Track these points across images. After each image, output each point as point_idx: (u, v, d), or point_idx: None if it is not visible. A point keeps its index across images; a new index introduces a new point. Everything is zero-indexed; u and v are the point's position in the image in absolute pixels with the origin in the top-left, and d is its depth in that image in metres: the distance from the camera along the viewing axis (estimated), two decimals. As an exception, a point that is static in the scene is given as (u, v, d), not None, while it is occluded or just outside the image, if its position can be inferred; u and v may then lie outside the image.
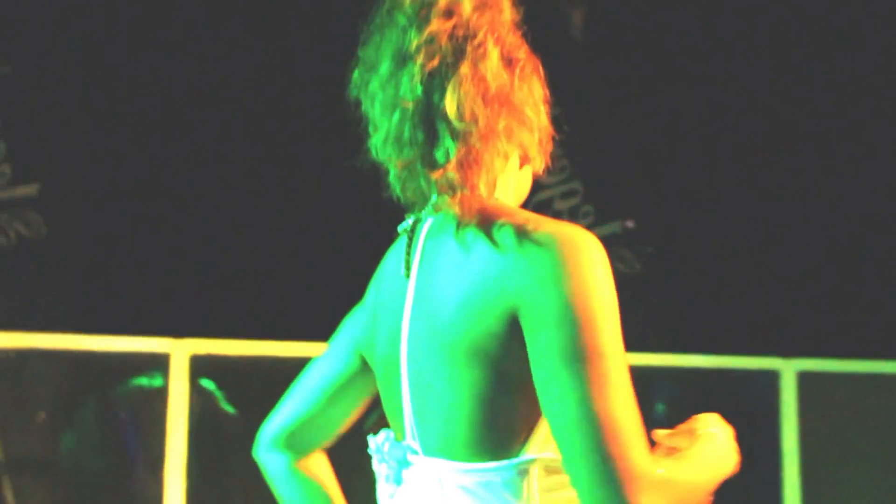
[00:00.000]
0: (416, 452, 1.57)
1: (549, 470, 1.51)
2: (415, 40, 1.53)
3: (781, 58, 5.98)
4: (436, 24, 1.54)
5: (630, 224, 6.23)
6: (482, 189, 1.54)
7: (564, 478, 1.47)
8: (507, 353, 1.47)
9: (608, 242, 6.11)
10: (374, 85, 1.57)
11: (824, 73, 5.94)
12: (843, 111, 5.96)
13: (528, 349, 1.45)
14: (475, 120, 1.52)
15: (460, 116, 1.51)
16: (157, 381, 4.86)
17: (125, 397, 4.98)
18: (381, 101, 1.56)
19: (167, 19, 5.30)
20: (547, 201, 6.05)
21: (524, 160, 1.67)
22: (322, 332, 4.47)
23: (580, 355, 1.40)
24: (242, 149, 5.25)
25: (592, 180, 6.07)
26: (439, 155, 1.53)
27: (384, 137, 1.57)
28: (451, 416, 1.51)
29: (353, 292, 1.96)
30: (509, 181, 1.65)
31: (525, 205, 1.62)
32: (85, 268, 5.24)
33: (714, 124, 6.03)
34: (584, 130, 6.11)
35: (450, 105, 1.51)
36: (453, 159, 1.52)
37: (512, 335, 1.46)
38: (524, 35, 1.67)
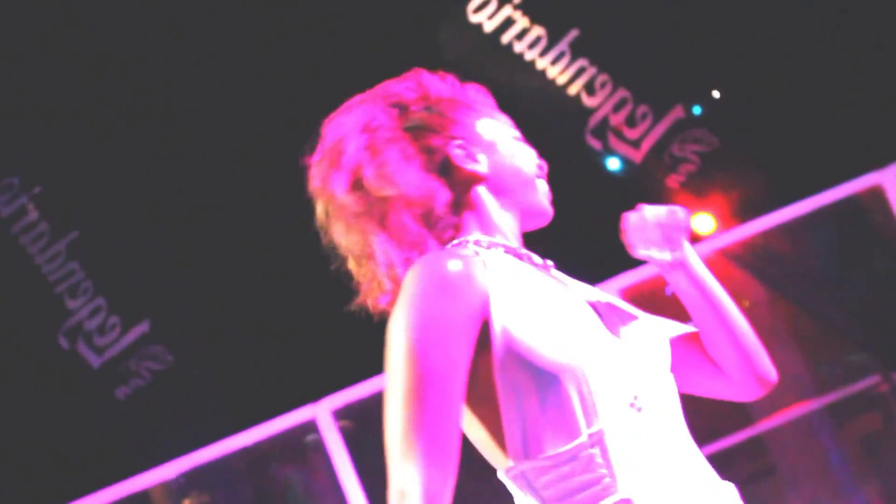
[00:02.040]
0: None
1: (545, 469, 1.72)
2: (318, 208, 1.88)
3: None
4: (316, 193, 1.88)
5: (717, 94, 6.24)
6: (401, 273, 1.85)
7: (560, 471, 1.71)
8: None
9: (675, 131, 6.18)
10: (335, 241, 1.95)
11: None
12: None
13: None
14: (373, 244, 1.85)
15: (363, 249, 1.85)
16: (313, 444, 5.25)
17: (296, 469, 5.40)
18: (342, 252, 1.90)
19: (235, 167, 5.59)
20: (603, 122, 6.14)
21: (474, 182, 1.88)
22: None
23: (388, 376, 1.73)
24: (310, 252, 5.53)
25: (636, 83, 6.12)
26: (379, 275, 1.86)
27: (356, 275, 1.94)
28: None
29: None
30: (479, 205, 1.87)
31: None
32: (218, 375, 5.66)
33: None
34: (609, 43, 6.17)
35: (354, 244, 1.86)
36: (385, 271, 1.85)
37: None
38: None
